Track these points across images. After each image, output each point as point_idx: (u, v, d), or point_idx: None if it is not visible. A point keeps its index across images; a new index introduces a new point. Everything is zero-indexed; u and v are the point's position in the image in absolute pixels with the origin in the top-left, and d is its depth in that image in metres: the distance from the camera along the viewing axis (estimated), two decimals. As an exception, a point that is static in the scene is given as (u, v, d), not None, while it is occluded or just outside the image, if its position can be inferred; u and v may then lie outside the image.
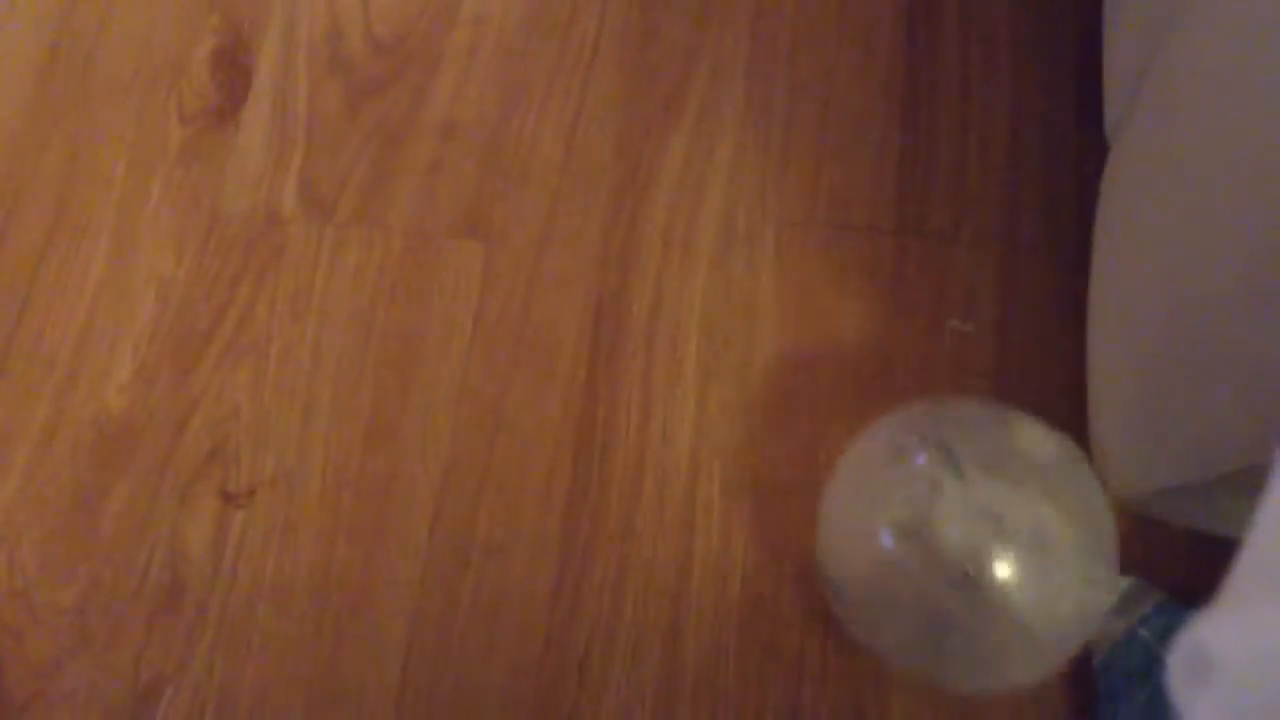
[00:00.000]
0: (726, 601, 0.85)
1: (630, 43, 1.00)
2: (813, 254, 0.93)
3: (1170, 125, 0.71)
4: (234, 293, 0.94)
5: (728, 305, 0.92)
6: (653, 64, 0.99)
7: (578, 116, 0.98)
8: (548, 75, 0.99)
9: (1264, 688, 0.36)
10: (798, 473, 0.87)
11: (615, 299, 0.93)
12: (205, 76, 1.00)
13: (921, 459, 0.73)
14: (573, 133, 0.97)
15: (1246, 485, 0.45)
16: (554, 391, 0.90)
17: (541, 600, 0.85)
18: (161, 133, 0.99)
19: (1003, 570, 0.69)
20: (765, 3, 1.01)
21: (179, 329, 0.93)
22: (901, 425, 0.77)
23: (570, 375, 0.91)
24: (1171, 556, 0.81)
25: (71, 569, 0.88)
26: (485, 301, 0.93)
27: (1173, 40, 0.72)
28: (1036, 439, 0.75)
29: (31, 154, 0.99)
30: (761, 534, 0.86)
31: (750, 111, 0.97)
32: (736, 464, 0.88)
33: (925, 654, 0.73)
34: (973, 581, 0.69)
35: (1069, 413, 0.86)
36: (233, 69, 1.00)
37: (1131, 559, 0.76)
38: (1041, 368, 0.89)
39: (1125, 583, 0.78)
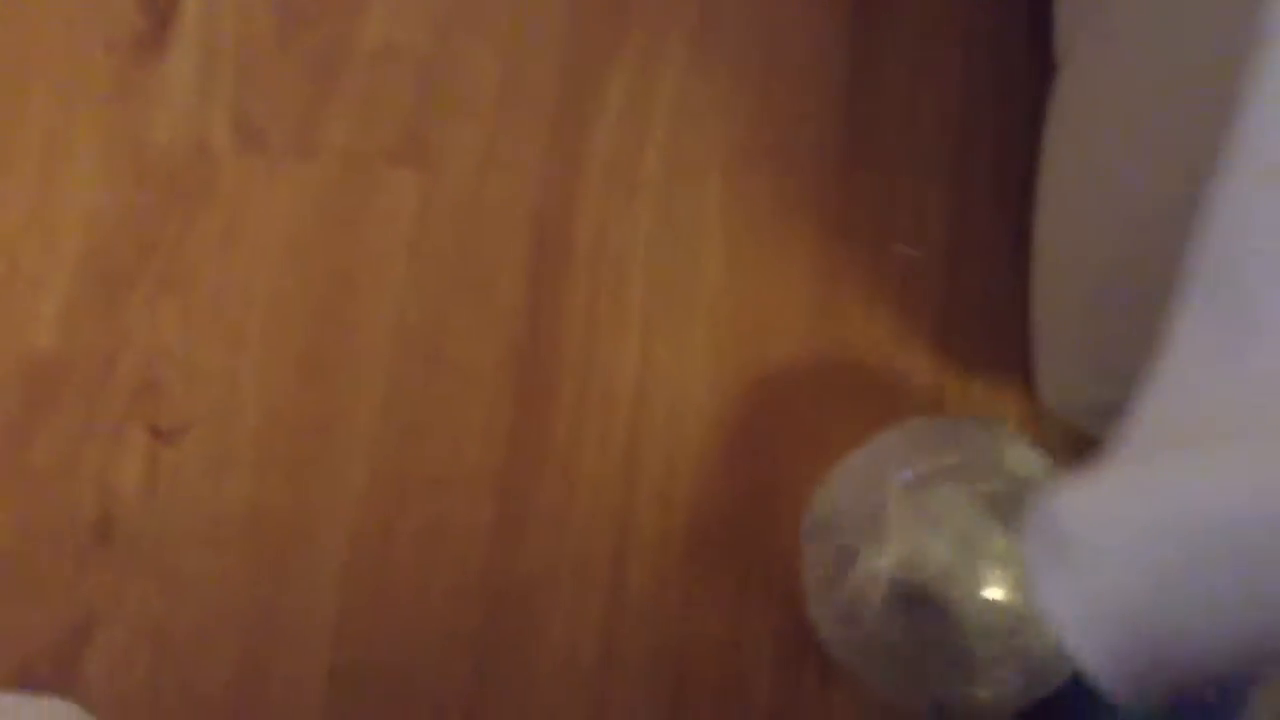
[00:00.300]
0: (670, 532, 0.84)
1: (571, -33, 0.97)
2: (759, 184, 0.92)
3: (1112, 49, 0.71)
4: (163, 226, 0.91)
5: (672, 236, 0.91)
6: (595, -12, 0.97)
7: (518, 42, 0.96)
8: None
9: (1122, 569, 0.35)
10: (742, 403, 0.86)
11: (557, 230, 0.91)
12: (130, 3, 0.96)
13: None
14: (513, 59, 0.95)
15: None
16: (494, 324, 0.89)
17: (483, 534, 0.84)
18: (87, 63, 0.96)
19: (951, 587, 0.70)
20: (708, -75, 0.99)
21: (107, 264, 0.91)
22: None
23: (510, 308, 0.89)
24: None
25: (1, 508, 0.86)
26: (422, 233, 0.91)
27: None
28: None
29: (-48, 87, 0.96)
30: (704, 464, 0.85)
31: (697, 40, 0.95)
32: (680, 395, 0.87)
33: (915, 681, 0.75)
34: (927, 605, 0.70)
35: (1016, 335, 0.85)
36: (159, -4, 0.98)
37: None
38: (989, 293, 0.88)
39: None
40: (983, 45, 0.94)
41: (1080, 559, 0.36)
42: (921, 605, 0.72)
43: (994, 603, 0.71)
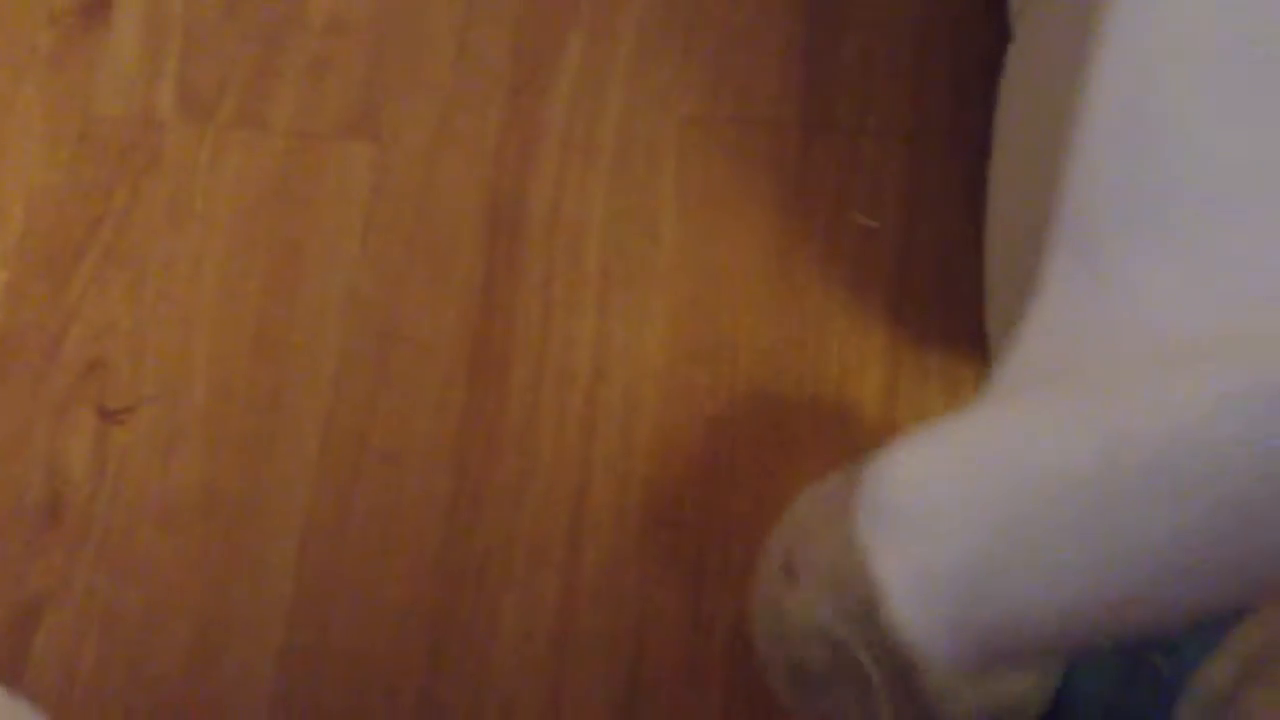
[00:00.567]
0: (627, 508, 0.83)
1: (524, -66, 0.96)
2: (716, 152, 0.91)
3: (1049, 20, 0.70)
4: (109, 200, 0.89)
5: (629, 208, 0.90)
6: (548, -44, 0.95)
7: (471, 13, 0.94)
8: (438, -32, 0.95)
9: (954, 534, 0.33)
10: (700, 376, 0.85)
11: (513, 203, 0.90)
12: (72, -29, 0.94)
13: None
14: (466, 28, 0.93)
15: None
16: (449, 298, 0.88)
17: (438, 509, 0.83)
18: (28, 32, 0.93)
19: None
20: (665, -109, 0.97)
21: (52, 240, 0.89)
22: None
23: (466, 282, 0.88)
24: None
25: (-56, 491, 0.84)
26: (375, 206, 0.89)
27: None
28: None
29: (-111, 57, 0.94)
30: (662, 439, 0.84)
31: (652, 9, 0.94)
32: (637, 369, 0.86)
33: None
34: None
35: (971, 306, 0.85)
36: (104, -36, 0.95)
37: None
38: (945, 260, 0.87)
39: None
40: (943, 5, 0.93)
41: (908, 526, 0.33)
42: None
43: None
